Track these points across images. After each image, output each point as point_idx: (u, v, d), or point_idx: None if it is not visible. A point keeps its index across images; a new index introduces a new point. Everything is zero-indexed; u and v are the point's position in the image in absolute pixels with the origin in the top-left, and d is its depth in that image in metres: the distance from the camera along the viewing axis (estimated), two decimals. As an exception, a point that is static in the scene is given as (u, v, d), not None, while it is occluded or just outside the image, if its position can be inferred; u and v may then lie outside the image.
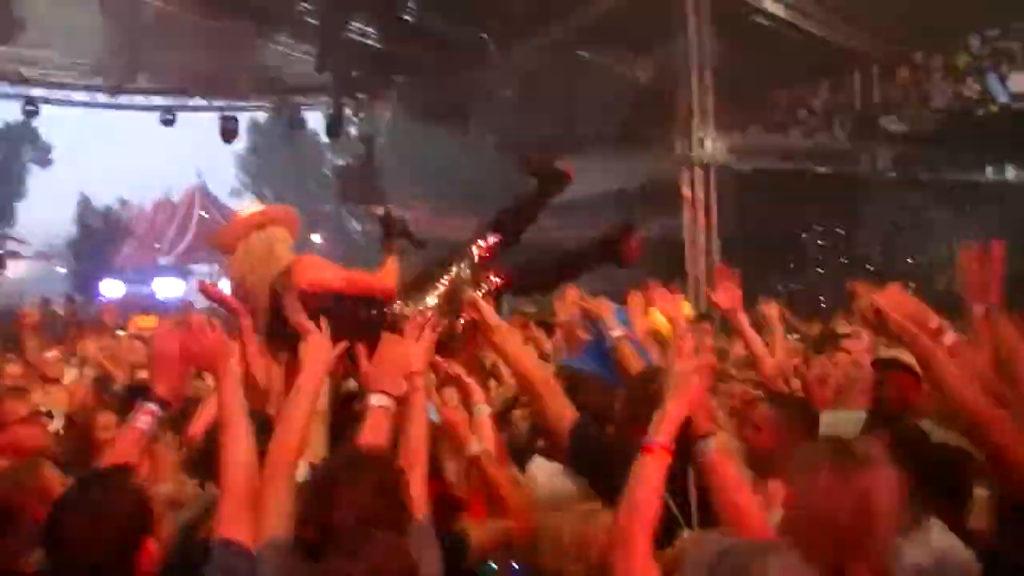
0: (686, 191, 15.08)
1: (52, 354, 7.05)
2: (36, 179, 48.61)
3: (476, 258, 4.52)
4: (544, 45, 18.37)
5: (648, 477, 2.46)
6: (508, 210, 5.05)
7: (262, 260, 3.97)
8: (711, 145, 15.19)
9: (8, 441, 3.74)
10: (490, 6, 18.36)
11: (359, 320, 3.96)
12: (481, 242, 4.55)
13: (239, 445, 2.62)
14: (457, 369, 3.73)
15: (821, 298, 17.84)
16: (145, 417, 2.81)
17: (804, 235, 26.75)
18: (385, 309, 4.11)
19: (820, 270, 25.12)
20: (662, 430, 2.52)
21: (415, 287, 4.31)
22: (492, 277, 4.50)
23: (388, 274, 4.23)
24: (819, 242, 27.41)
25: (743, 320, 4.63)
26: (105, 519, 2.32)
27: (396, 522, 2.42)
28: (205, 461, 3.08)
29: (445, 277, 4.31)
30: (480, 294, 4.20)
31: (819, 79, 17.98)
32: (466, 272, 4.38)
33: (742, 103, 18.96)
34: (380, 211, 4.55)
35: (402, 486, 2.54)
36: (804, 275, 21.16)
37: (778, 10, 15.53)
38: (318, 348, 3.06)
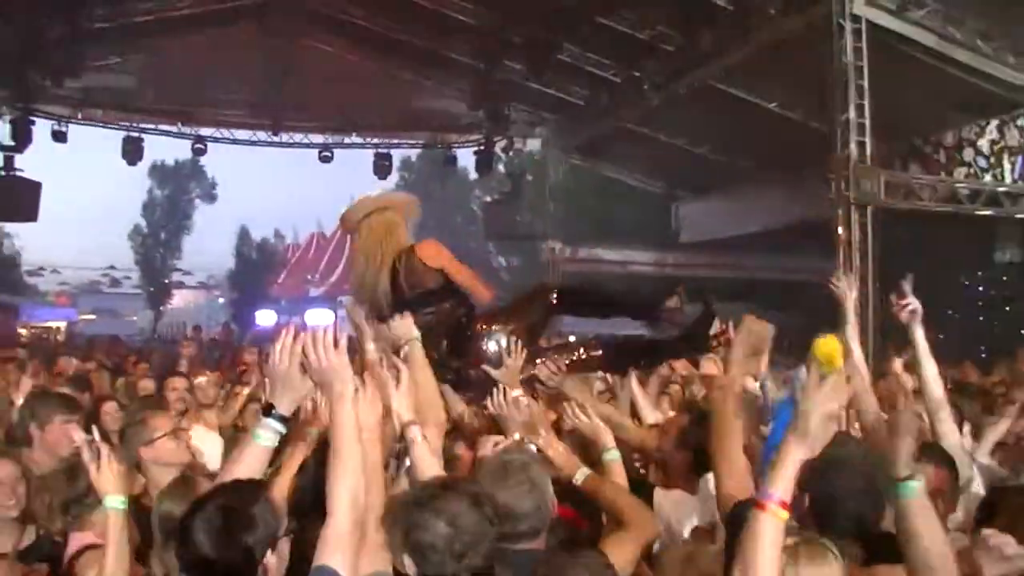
0: (841, 232, 14.57)
1: (205, 379, 7.32)
2: (201, 213, 51.13)
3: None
4: (697, 83, 18.20)
5: (761, 534, 2.20)
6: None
7: (382, 240, 4.29)
8: (868, 185, 14.66)
9: (153, 456, 3.90)
10: (644, 45, 18.34)
11: (453, 318, 4.18)
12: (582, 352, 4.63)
13: (349, 473, 2.56)
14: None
15: (981, 348, 16.93)
16: (266, 433, 2.86)
17: (966, 281, 25.52)
18: (471, 313, 4.32)
19: (981, 317, 23.88)
20: (778, 482, 2.26)
21: (521, 315, 4.46)
22: (583, 353, 4.60)
23: (490, 287, 4.61)
24: (980, 288, 26.07)
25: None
26: (236, 528, 2.39)
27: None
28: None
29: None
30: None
31: (987, 118, 17.15)
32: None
33: (902, 142, 18.32)
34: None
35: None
36: (964, 321, 20.13)
37: (943, 47, 14.91)
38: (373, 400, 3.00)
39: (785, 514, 2.22)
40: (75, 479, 3.71)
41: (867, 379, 4.36)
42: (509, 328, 4.36)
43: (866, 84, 14.39)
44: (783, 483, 2.25)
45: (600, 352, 4.58)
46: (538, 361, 4.33)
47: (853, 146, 14.53)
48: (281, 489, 3.45)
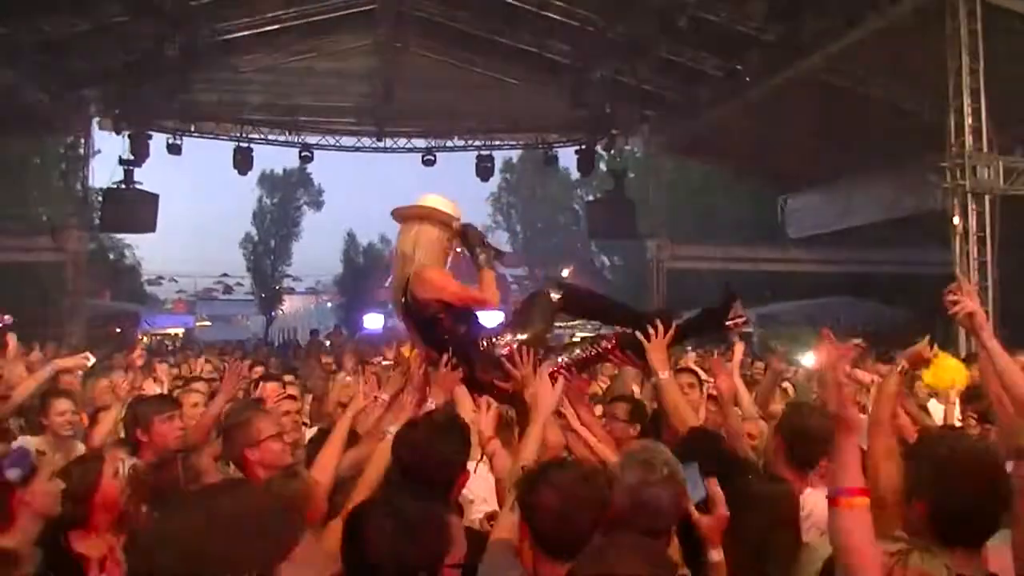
0: (957, 221, 14.08)
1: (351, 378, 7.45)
2: (308, 220, 52.28)
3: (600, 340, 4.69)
4: (800, 75, 17.81)
5: (852, 528, 2.22)
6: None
7: (406, 257, 4.45)
8: (985, 172, 14.13)
9: (259, 457, 4.01)
10: (744, 38, 18.04)
11: (456, 335, 4.35)
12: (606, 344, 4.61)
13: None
14: None
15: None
16: None
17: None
18: (481, 331, 4.46)
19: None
20: (848, 475, 2.27)
21: (527, 324, 4.50)
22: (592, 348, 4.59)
23: (485, 288, 4.45)
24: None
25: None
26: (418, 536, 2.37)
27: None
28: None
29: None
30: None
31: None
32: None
33: (1021, 126, 17.55)
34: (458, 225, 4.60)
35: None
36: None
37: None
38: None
39: (864, 500, 2.23)
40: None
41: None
42: (520, 339, 4.41)
43: (981, 68, 13.89)
44: (848, 475, 2.26)
45: (611, 344, 4.54)
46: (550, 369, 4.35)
47: (968, 133, 14.04)
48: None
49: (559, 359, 4.44)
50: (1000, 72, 13.84)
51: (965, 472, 2.55)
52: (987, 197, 14.11)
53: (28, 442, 5.31)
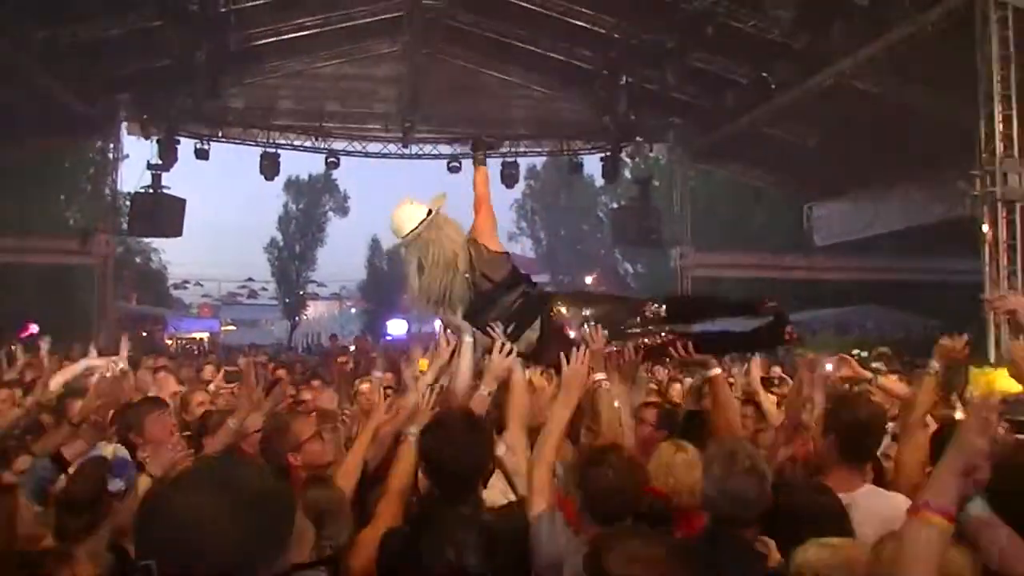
0: (987, 230, 13.93)
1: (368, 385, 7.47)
2: (333, 226, 52.47)
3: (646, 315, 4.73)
4: (828, 82, 17.71)
5: (918, 545, 2.12)
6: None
7: (454, 248, 4.58)
8: (1016, 180, 13.98)
9: (303, 461, 4.05)
10: (771, 45, 17.96)
11: (527, 303, 4.57)
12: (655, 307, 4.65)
13: None
14: None
15: None
16: None
17: None
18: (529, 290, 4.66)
19: None
20: (939, 490, 2.15)
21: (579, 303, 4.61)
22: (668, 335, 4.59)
23: (477, 185, 4.89)
24: None
25: None
26: None
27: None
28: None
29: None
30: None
31: None
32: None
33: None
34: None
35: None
36: None
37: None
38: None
39: (943, 522, 2.12)
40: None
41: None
42: (586, 314, 4.51)
43: (1012, 74, 13.75)
44: (939, 491, 2.16)
45: (674, 336, 4.59)
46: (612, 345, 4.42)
47: (999, 140, 13.90)
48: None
49: (623, 344, 4.52)
50: (1030, 78, 13.72)
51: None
52: (1018, 205, 13.96)
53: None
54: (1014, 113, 13.83)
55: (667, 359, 5.35)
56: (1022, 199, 14.02)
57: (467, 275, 4.56)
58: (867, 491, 3.61)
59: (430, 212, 4.65)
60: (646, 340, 4.60)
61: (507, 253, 4.77)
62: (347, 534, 3.26)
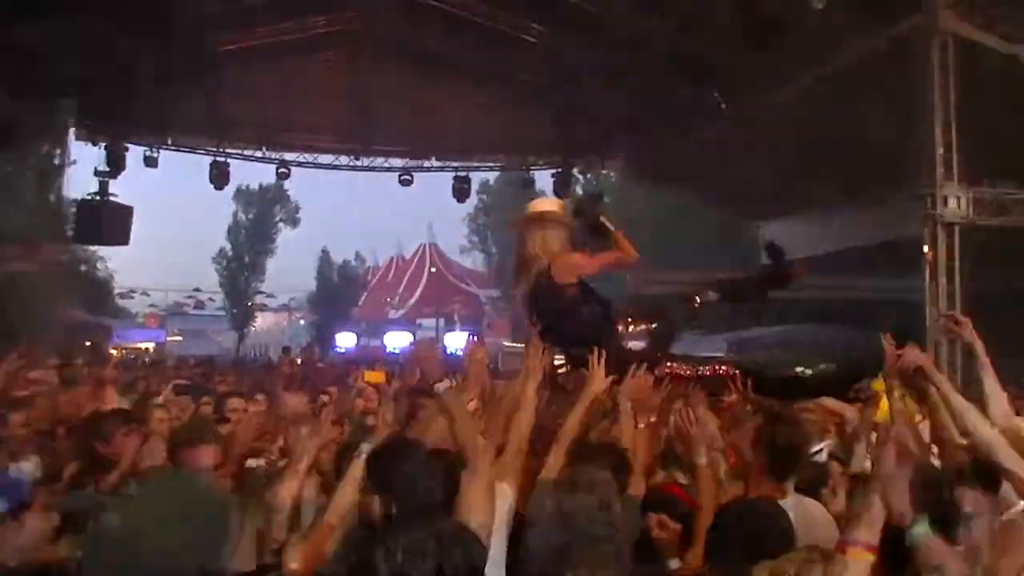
0: (928, 251, 14.26)
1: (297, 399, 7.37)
2: (284, 237, 52.09)
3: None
4: (777, 103, 18.04)
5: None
6: (733, 281, 5.49)
7: (547, 252, 4.94)
8: (955, 202, 14.35)
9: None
10: (721, 65, 18.24)
11: (585, 317, 4.86)
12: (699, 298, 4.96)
13: None
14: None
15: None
16: None
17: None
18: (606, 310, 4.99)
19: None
20: (863, 527, 2.32)
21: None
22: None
23: (623, 244, 5.19)
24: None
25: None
26: None
27: None
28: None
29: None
30: None
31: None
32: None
33: (994, 159, 17.81)
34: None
35: None
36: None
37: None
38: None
39: (866, 555, 2.27)
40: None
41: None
42: (645, 329, 4.79)
43: (953, 100, 14.11)
44: (861, 525, 2.32)
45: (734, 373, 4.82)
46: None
47: (940, 164, 14.25)
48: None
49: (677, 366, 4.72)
50: (971, 104, 14.08)
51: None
52: (958, 227, 14.31)
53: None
54: (954, 138, 14.20)
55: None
56: (962, 221, 14.38)
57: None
58: (791, 503, 3.71)
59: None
60: (703, 369, 4.82)
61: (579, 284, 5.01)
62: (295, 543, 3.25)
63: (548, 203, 5.24)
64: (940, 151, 14.23)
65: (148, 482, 2.00)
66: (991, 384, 3.95)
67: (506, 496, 3.45)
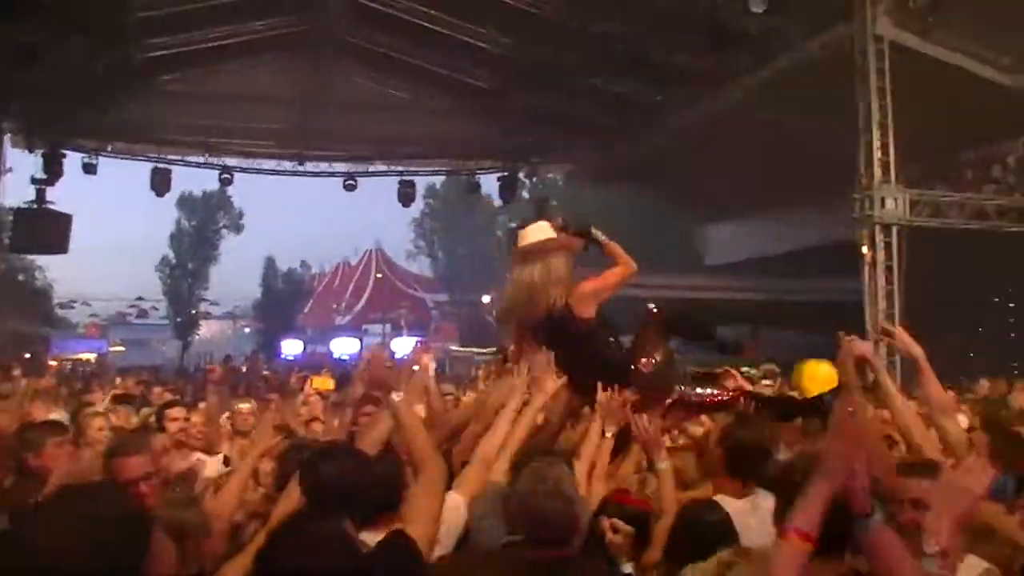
0: (867, 251, 14.54)
1: (247, 406, 7.30)
2: (228, 244, 51.32)
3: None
4: (722, 106, 18.27)
5: (783, 566, 2.33)
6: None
7: (558, 280, 4.76)
8: (893, 204, 14.65)
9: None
10: (668, 69, 18.43)
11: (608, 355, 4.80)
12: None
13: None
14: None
15: (1014, 364, 16.75)
16: None
17: (996, 299, 25.28)
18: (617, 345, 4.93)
19: (1012, 334, 23.64)
20: (799, 514, 2.37)
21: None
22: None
23: (621, 257, 5.08)
24: (1011, 305, 25.81)
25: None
26: None
27: None
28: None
29: None
30: None
31: (1017, 135, 17.07)
32: None
33: (928, 160, 18.25)
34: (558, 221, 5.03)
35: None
36: (993, 339, 19.92)
37: (970, 65, 14.94)
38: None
39: (802, 543, 2.31)
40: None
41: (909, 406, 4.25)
42: (657, 360, 4.78)
43: (889, 104, 14.42)
44: (802, 513, 2.35)
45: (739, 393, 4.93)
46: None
47: (877, 166, 14.54)
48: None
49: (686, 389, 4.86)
50: (906, 108, 14.39)
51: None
52: (895, 228, 14.60)
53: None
54: (891, 141, 14.51)
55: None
56: (899, 222, 14.68)
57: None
58: (750, 501, 3.78)
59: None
60: (713, 394, 4.93)
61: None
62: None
63: (542, 229, 4.92)
64: (877, 153, 14.51)
65: (53, 496, 1.98)
66: (930, 386, 4.03)
67: (458, 507, 3.48)
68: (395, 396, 3.36)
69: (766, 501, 3.72)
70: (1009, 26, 14.63)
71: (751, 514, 3.59)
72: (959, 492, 2.41)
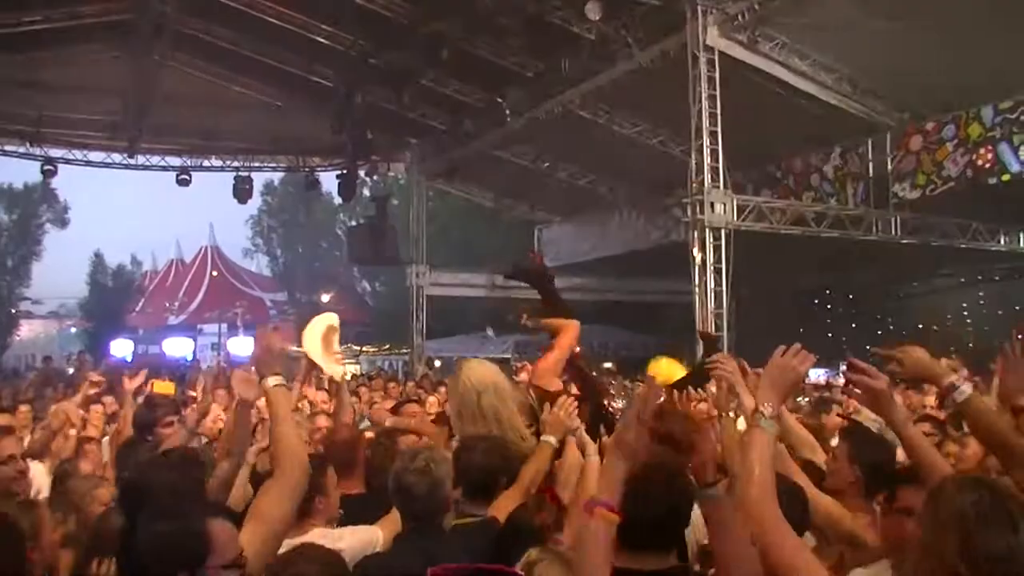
0: (697, 254, 15.06)
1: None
2: (52, 239, 48.49)
3: None
4: (558, 109, 18.58)
5: (588, 538, 2.42)
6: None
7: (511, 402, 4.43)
8: (722, 208, 15.24)
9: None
10: (505, 72, 18.62)
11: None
12: None
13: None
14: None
15: (841, 364, 17.69)
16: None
17: (815, 300, 26.76)
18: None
19: (830, 334, 25.07)
20: (604, 489, 2.49)
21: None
22: None
23: (561, 329, 5.12)
24: (829, 306, 27.39)
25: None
26: None
27: None
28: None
29: None
30: None
31: (832, 146, 18.09)
32: None
33: (754, 168, 19.13)
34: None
35: None
36: (816, 338, 21.02)
37: (792, 79, 15.70)
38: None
39: (610, 515, 2.41)
40: None
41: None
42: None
43: (719, 112, 14.98)
44: (604, 489, 2.48)
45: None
46: None
47: (707, 171, 15.08)
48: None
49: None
50: (735, 116, 14.99)
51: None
52: (723, 231, 15.18)
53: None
54: (720, 147, 15.08)
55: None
56: (727, 226, 15.28)
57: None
58: None
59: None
60: None
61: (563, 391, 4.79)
62: None
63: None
64: (707, 159, 15.06)
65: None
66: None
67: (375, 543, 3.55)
68: (271, 381, 3.14)
69: None
70: (830, 48, 15.47)
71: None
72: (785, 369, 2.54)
